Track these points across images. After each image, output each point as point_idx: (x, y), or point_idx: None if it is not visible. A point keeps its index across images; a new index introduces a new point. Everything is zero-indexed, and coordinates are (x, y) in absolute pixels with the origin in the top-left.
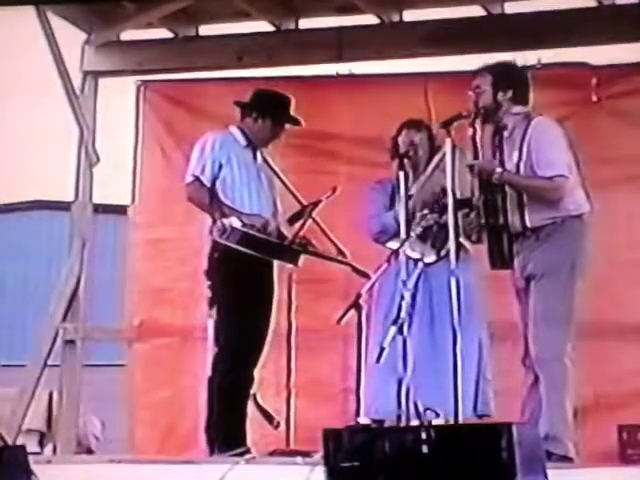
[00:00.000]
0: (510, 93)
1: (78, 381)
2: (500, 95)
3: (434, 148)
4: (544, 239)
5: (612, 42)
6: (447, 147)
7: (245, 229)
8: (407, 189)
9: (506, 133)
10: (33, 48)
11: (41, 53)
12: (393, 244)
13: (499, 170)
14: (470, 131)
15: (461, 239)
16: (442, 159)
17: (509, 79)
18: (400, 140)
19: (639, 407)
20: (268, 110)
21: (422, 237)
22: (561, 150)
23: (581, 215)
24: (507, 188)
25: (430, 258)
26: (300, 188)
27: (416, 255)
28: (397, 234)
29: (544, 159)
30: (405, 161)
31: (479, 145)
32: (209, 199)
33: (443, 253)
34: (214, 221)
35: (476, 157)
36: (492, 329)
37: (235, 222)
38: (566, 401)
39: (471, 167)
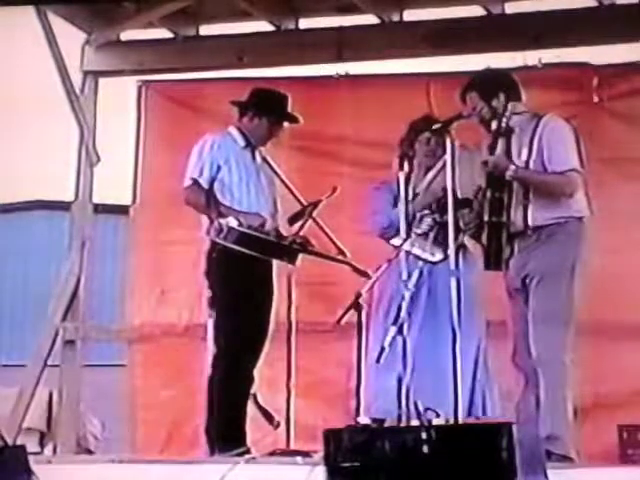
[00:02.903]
0: (502, 96)
1: (78, 381)
2: (495, 102)
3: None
4: (545, 240)
5: (612, 42)
6: (447, 147)
7: (242, 228)
8: (413, 188)
9: (515, 133)
10: (33, 48)
11: (41, 53)
12: (397, 241)
13: (513, 167)
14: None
15: (465, 239)
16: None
17: (493, 84)
18: (426, 141)
19: (639, 407)
20: (264, 108)
21: (427, 235)
22: (572, 147)
23: (582, 218)
24: (514, 186)
25: (436, 257)
26: (302, 189)
27: (420, 253)
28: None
29: (556, 155)
30: (414, 161)
31: (491, 143)
32: (206, 200)
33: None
34: (211, 221)
35: (491, 153)
36: (492, 329)
37: (232, 222)
38: (567, 401)
39: (485, 163)
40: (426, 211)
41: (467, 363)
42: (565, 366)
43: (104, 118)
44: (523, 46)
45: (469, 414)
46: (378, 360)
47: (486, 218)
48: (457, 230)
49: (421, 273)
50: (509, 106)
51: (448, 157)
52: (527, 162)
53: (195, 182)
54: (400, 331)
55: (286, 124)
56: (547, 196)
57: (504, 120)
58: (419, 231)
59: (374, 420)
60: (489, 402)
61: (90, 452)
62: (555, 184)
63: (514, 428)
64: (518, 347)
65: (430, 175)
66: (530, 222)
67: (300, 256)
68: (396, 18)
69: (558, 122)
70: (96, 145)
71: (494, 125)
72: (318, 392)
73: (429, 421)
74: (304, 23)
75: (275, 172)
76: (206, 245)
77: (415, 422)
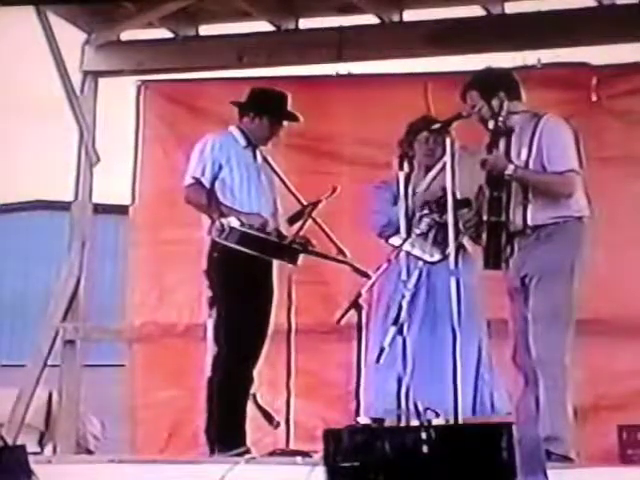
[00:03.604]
0: (502, 94)
1: (78, 381)
2: (494, 101)
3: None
4: (544, 239)
5: (612, 42)
6: (447, 147)
7: (244, 228)
8: (413, 188)
9: (514, 133)
10: (33, 48)
11: (41, 53)
12: (396, 240)
13: (512, 166)
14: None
15: (464, 240)
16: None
17: (493, 83)
18: (425, 140)
19: (639, 407)
20: (264, 108)
21: (426, 235)
22: (571, 147)
23: (581, 218)
24: (513, 185)
25: (435, 257)
26: (301, 189)
27: (419, 253)
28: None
29: (555, 155)
30: (414, 161)
31: (490, 142)
32: (207, 200)
33: (447, 252)
34: (213, 221)
35: (490, 153)
36: (492, 329)
37: (234, 222)
38: (567, 401)
39: (483, 162)
40: (426, 211)
41: (469, 362)
42: (565, 366)
43: (104, 118)
44: (523, 46)
45: (474, 412)
46: (378, 360)
47: (485, 218)
48: (456, 230)
49: (420, 273)
50: (505, 105)
51: (448, 157)
52: (527, 162)
53: (196, 181)
54: (400, 331)
55: (286, 123)
56: (546, 196)
57: (501, 120)
58: (418, 231)
59: (374, 420)
60: (497, 399)
61: (90, 452)
62: (553, 184)
63: (514, 428)
64: (518, 347)
65: (430, 175)
66: (529, 221)
67: (301, 256)
68: (396, 18)
69: (558, 122)
70: (96, 145)
71: (492, 125)
72: (318, 392)
73: (429, 421)
74: (304, 23)
75: (275, 172)
76: (206, 245)
77: (415, 422)
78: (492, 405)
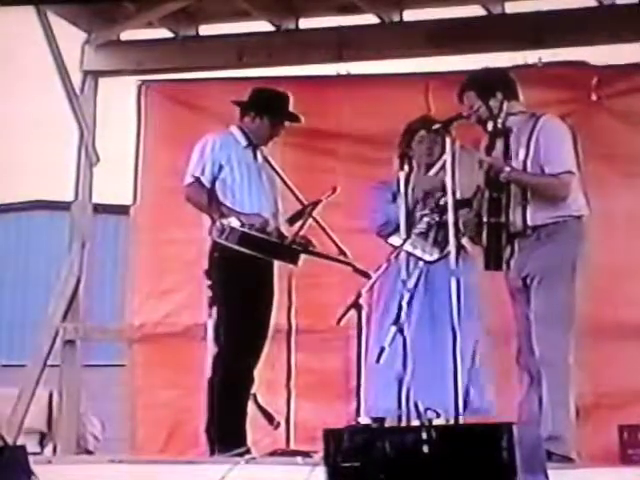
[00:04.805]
0: (500, 95)
1: (78, 381)
2: (492, 102)
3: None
4: (545, 239)
5: (612, 42)
6: (447, 147)
7: (244, 229)
8: (412, 187)
9: (512, 133)
10: (33, 48)
11: (41, 53)
12: (395, 239)
13: (508, 168)
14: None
15: (463, 240)
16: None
17: (491, 83)
18: (422, 139)
19: (639, 407)
20: (266, 108)
21: (425, 235)
22: (568, 148)
23: (581, 217)
24: (512, 186)
25: (433, 256)
26: (301, 187)
27: (418, 253)
28: (400, 228)
29: (552, 156)
30: (413, 161)
31: (489, 143)
32: (208, 200)
33: (446, 251)
34: (213, 221)
35: (488, 154)
36: (491, 329)
37: (234, 222)
38: (569, 401)
39: (480, 163)
40: (426, 211)
41: (464, 362)
42: (568, 366)
43: (104, 118)
44: (523, 46)
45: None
46: (378, 360)
47: (485, 218)
48: (456, 229)
49: (420, 273)
50: (504, 107)
51: (448, 157)
52: (524, 162)
53: (196, 180)
54: (400, 331)
55: (287, 123)
56: (543, 197)
57: (499, 121)
58: (417, 230)
59: (374, 420)
60: (485, 400)
61: (90, 452)
62: (548, 186)
63: (514, 428)
64: (522, 347)
65: (431, 173)
66: (529, 222)
67: (301, 256)
68: (396, 18)
69: (556, 123)
70: (96, 145)
71: (490, 126)
72: (318, 392)
73: (429, 421)
74: (304, 23)
75: (276, 172)
76: (206, 245)
77: (415, 422)
78: (480, 405)
